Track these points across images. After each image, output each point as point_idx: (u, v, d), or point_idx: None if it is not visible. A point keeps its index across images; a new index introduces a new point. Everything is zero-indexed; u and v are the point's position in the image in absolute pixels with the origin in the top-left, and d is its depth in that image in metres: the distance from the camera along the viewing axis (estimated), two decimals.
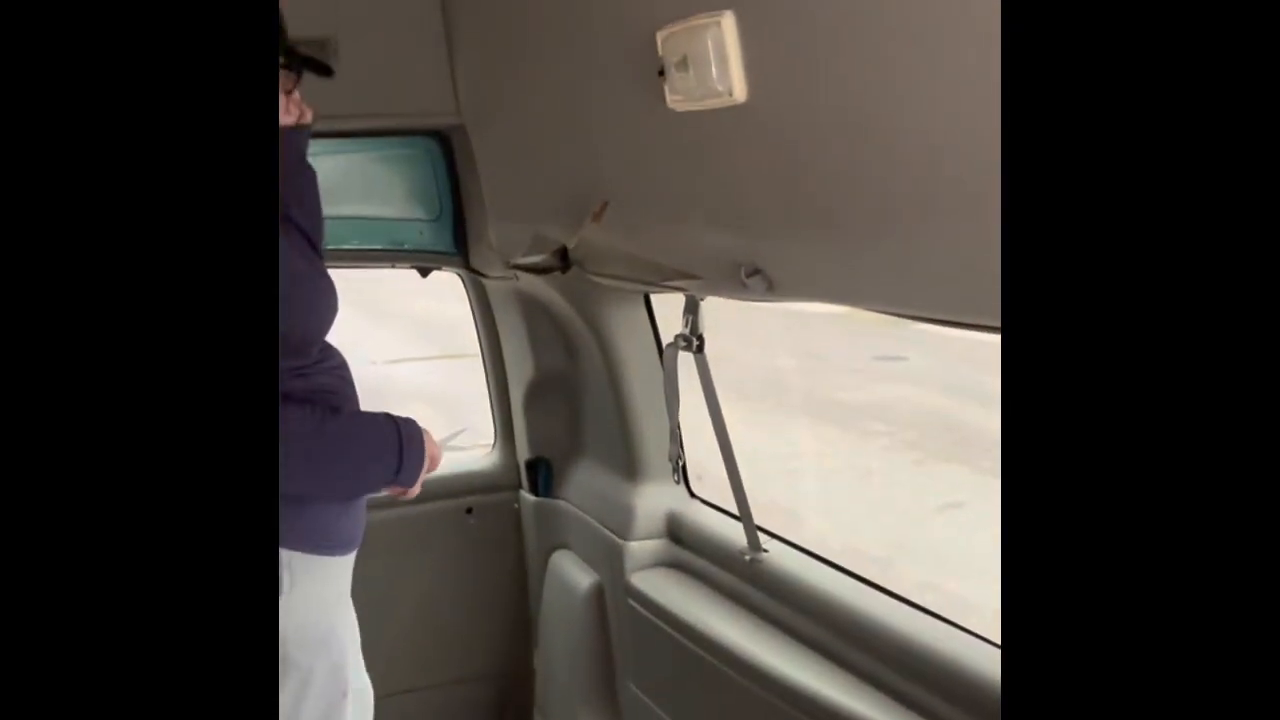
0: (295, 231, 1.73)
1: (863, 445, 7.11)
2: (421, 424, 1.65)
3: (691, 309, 1.93)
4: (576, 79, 1.68)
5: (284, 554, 1.50)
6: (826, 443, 7.06)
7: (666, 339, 2.13)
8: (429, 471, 1.63)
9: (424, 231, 2.46)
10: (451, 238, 2.48)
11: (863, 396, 7.94)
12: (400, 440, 1.58)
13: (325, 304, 1.62)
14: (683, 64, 1.31)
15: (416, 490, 1.64)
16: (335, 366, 1.63)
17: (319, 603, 1.58)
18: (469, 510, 2.71)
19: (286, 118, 1.70)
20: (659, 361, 2.28)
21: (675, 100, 1.37)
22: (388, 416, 1.61)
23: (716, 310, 2.01)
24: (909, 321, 1.45)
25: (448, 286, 2.79)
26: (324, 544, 1.57)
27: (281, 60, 1.60)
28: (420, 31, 2.10)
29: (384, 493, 1.66)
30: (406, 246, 2.47)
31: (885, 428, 7.33)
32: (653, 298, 2.23)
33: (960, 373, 8.16)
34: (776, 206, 1.34)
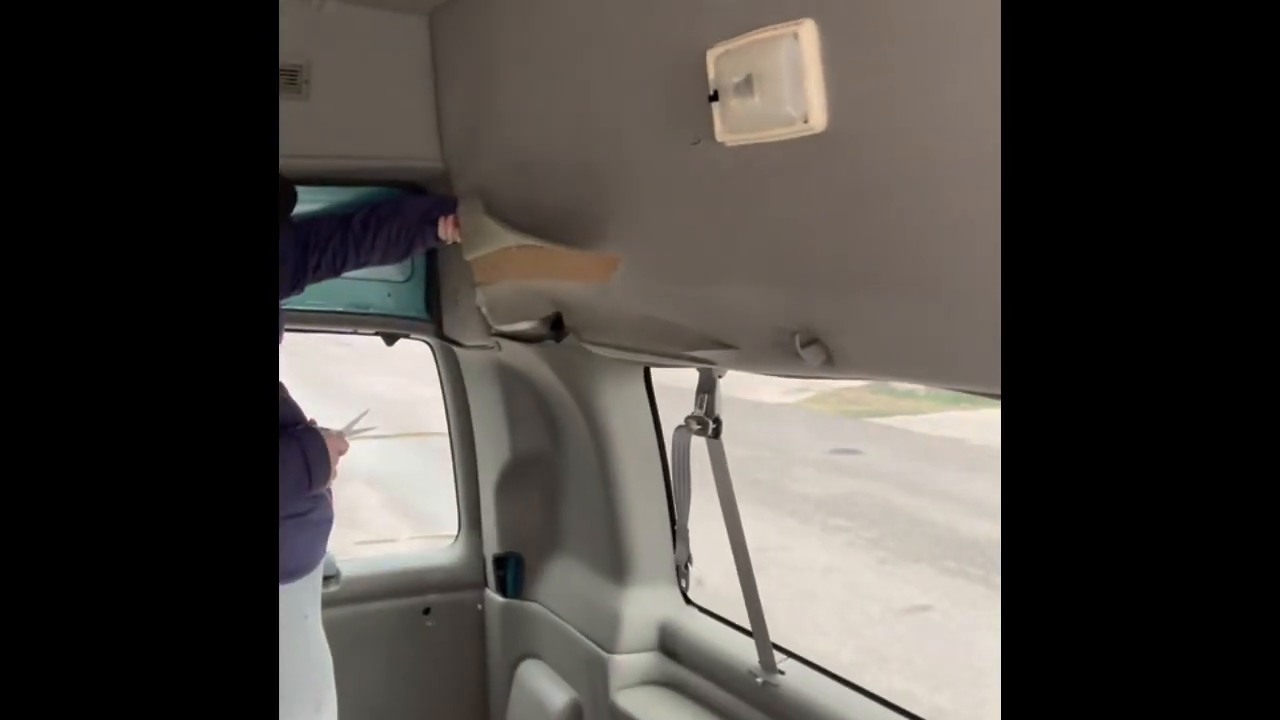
0: None
1: (824, 541, 6.91)
2: (320, 424, 1.76)
3: (707, 387, 1.68)
4: (589, 116, 1.46)
5: None
6: (788, 536, 6.84)
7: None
8: (339, 461, 1.74)
9: (393, 294, 2.20)
10: (423, 301, 2.22)
11: (821, 490, 7.78)
12: (304, 455, 1.66)
13: None
14: (745, 86, 1.08)
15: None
16: None
17: None
18: (426, 610, 2.39)
19: None
20: (657, 445, 2.02)
21: (728, 131, 1.14)
22: (290, 435, 1.66)
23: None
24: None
25: (417, 362, 2.52)
26: None
27: None
28: (401, 66, 1.87)
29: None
30: (372, 310, 2.20)
31: (846, 523, 7.16)
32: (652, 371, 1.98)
33: (915, 469, 8.06)
34: (849, 260, 1.10)
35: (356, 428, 1.79)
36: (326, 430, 1.72)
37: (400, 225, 1.88)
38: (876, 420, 9.55)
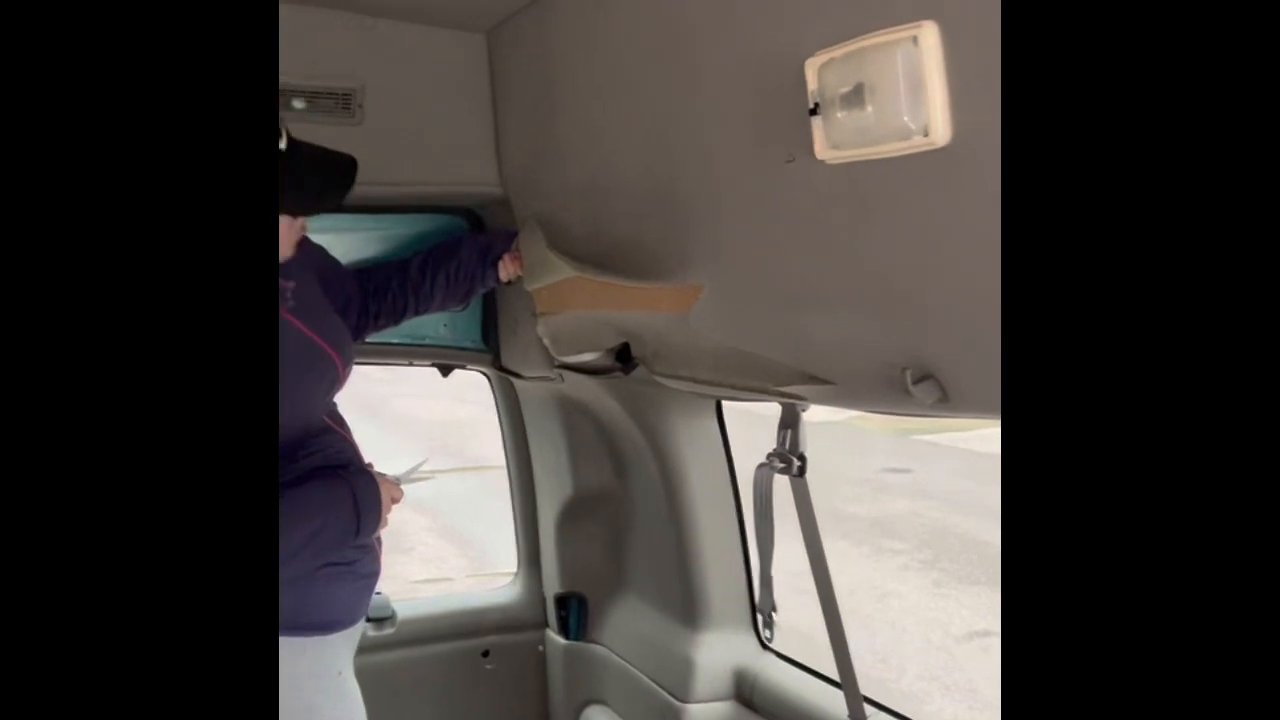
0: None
1: (878, 564, 6.74)
2: (375, 470, 1.63)
3: (790, 422, 1.56)
4: (666, 134, 1.36)
5: None
6: (840, 559, 6.68)
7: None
8: (391, 509, 1.61)
9: (449, 324, 2.11)
10: (480, 332, 2.13)
11: (873, 510, 7.61)
12: (355, 501, 1.53)
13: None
14: (854, 97, 0.98)
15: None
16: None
17: (290, 681, 1.44)
18: (485, 653, 2.29)
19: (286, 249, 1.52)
20: (729, 481, 1.90)
21: (830, 147, 1.03)
22: (340, 478, 1.53)
23: None
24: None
25: (466, 386, 2.43)
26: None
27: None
28: (458, 86, 1.79)
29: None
30: (429, 341, 2.11)
31: (900, 545, 6.99)
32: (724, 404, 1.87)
33: (968, 488, 7.85)
34: (973, 287, 0.99)
35: (414, 476, 1.69)
36: (381, 475, 1.62)
37: (458, 268, 1.81)
38: (925, 438, 9.35)
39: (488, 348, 2.13)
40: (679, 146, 1.33)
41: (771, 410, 1.55)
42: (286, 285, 1.51)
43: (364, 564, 1.58)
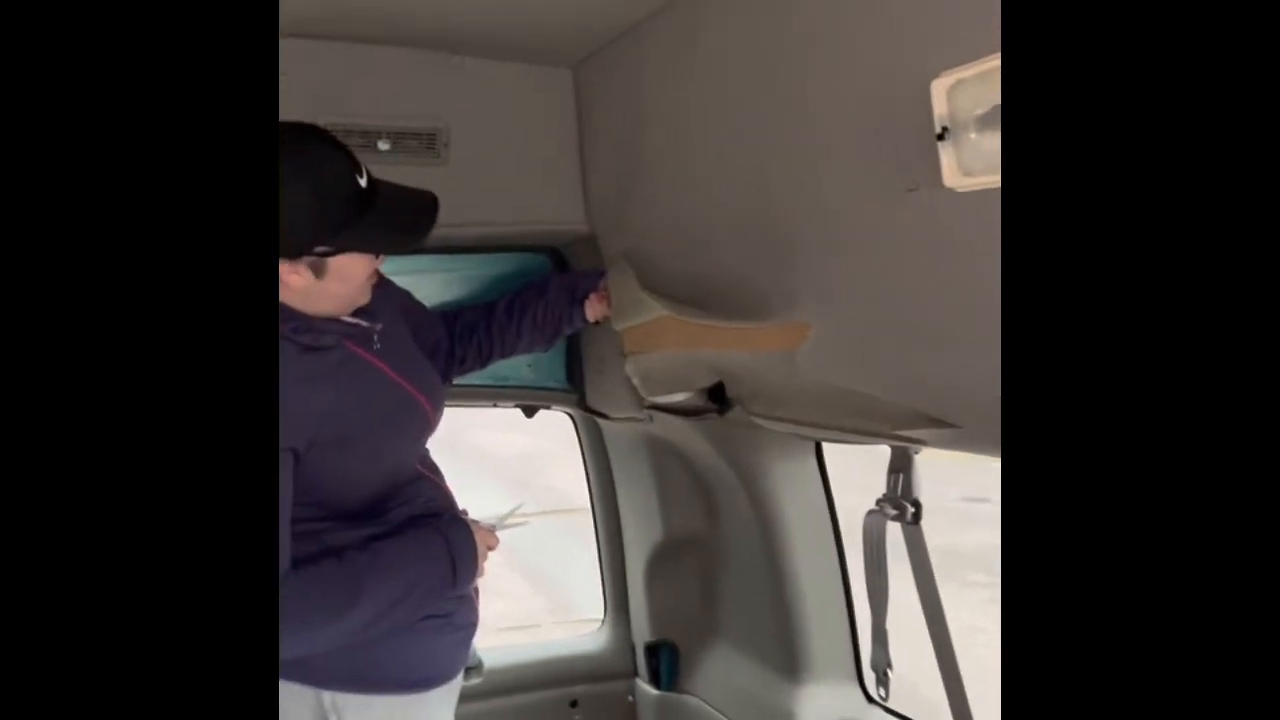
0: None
1: (963, 598, 6.52)
2: (469, 515, 1.57)
3: (902, 466, 1.47)
4: (769, 165, 1.29)
5: (326, 696, 1.41)
6: None
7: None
8: (487, 558, 1.55)
9: (533, 365, 2.06)
10: (565, 371, 2.07)
11: (953, 541, 7.37)
12: (450, 550, 1.47)
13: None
14: (989, 120, 0.90)
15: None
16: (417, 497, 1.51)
17: None
18: (574, 703, 2.21)
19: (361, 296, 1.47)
20: (830, 524, 1.81)
21: (961, 174, 0.95)
22: (434, 529, 1.48)
23: None
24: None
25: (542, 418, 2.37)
26: (369, 682, 1.44)
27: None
28: (545, 123, 1.75)
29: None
30: (511, 382, 2.06)
31: (985, 578, 6.75)
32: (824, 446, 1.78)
33: None
34: None
35: (509, 522, 1.63)
36: (475, 522, 1.56)
37: (545, 309, 1.75)
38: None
39: (572, 388, 2.07)
40: (784, 177, 1.26)
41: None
42: (374, 328, 1.48)
43: (461, 615, 1.52)
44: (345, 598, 1.36)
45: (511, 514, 1.65)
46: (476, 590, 1.59)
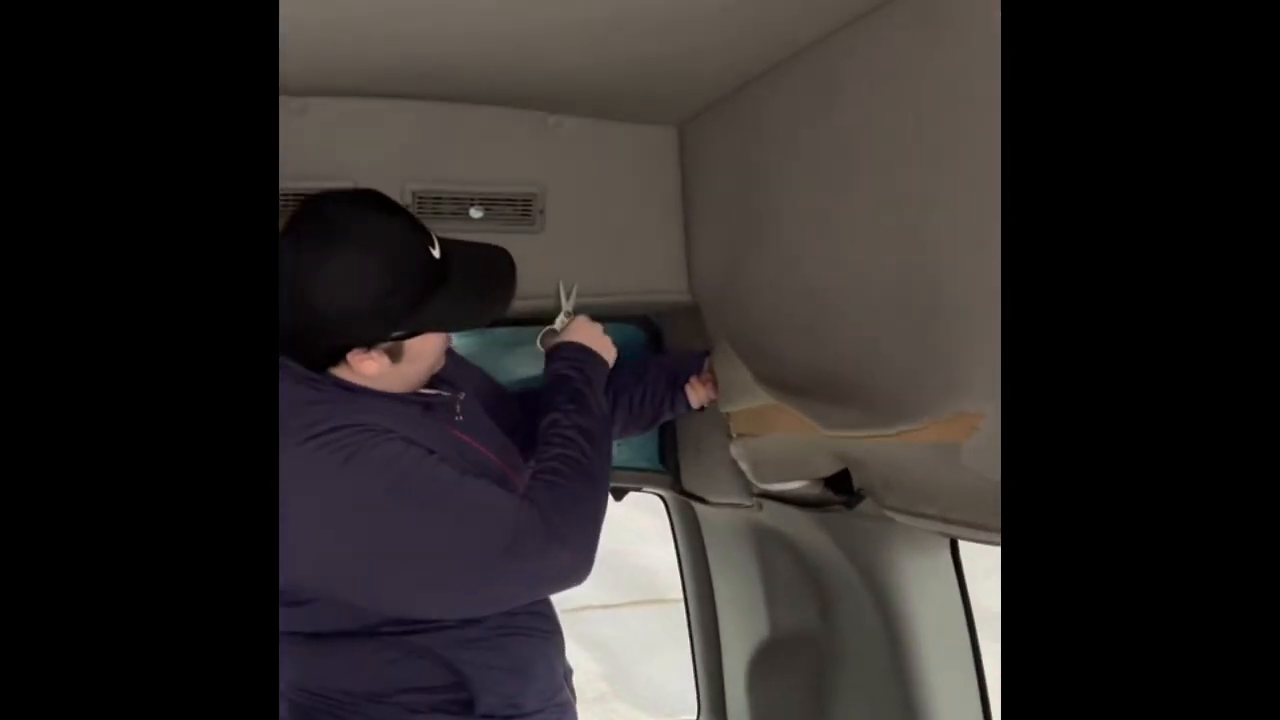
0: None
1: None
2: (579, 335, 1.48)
3: None
4: (911, 228, 1.13)
5: None
6: (991, 661, 6.11)
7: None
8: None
9: (623, 445, 1.91)
10: (657, 451, 1.92)
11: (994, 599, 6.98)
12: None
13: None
14: None
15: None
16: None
17: None
18: None
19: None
20: (967, 629, 1.62)
21: None
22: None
23: None
24: None
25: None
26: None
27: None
28: (647, 186, 1.61)
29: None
30: None
31: None
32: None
33: None
34: None
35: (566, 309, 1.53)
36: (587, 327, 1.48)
37: (643, 395, 1.60)
38: None
39: (666, 469, 1.91)
40: (940, 239, 1.10)
41: None
42: (456, 397, 1.34)
43: None
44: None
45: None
46: (573, 691, 1.44)
